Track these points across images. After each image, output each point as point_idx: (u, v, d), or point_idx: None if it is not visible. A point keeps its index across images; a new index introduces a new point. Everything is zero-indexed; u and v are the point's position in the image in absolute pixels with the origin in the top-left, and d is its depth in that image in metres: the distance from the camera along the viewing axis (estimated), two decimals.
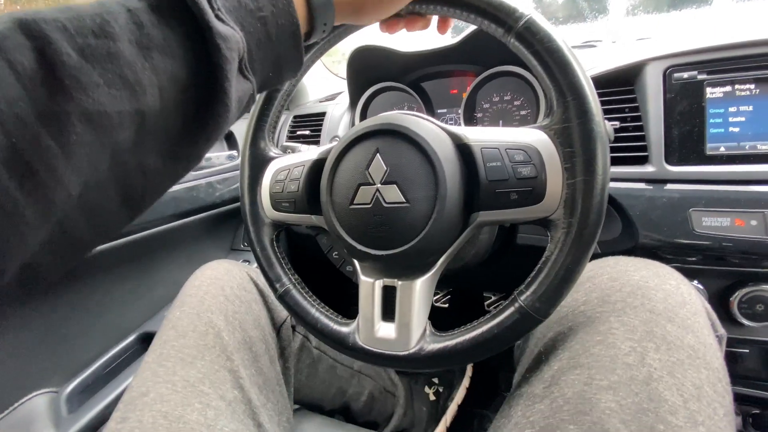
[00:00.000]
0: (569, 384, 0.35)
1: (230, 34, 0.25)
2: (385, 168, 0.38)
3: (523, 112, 0.78)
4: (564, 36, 0.35)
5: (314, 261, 0.94)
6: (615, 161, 0.59)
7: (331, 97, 0.97)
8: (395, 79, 0.80)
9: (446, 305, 1.13)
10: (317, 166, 0.45)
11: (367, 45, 0.71)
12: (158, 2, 0.23)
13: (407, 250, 0.37)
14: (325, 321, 0.45)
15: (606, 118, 0.61)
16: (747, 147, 0.54)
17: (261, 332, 0.54)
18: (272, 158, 0.50)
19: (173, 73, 0.23)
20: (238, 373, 0.47)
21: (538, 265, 0.36)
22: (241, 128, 1.00)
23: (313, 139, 0.87)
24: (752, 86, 0.54)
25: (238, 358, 0.48)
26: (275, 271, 0.48)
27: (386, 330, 0.41)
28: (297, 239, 0.99)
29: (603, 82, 0.62)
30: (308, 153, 0.48)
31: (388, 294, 0.42)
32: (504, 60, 0.73)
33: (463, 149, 0.39)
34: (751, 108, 0.54)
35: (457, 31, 0.78)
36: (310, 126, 0.89)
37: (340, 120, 0.85)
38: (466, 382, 0.91)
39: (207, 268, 0.57)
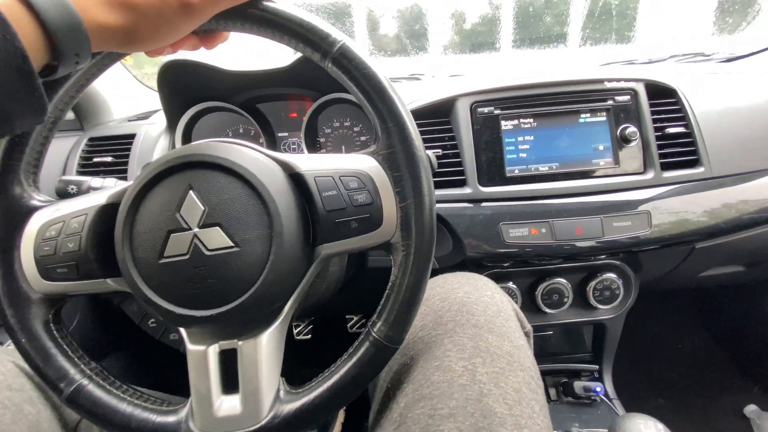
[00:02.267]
0: (415, 420, 0.35)
1: None
2: (203, 208, 0.32)
3: (363, 138, 0.80)
4: (376, 63, 0.36)
5: (129, 331, 0.76)
6: (441, 185, 0.66)
7: (144, 116, 0.82)
8: (223, 99, 0.72)
9: (309, 336, 1.08)
10: (107, 213, 0.36)
11: (179, 60, 0.62)
12: None
13: (244, 303, 0.32)
14: (144, 415, 0.36)
15: (429, 147, 0.68)
16: (533, 169, 0.66)
17: None
18: (35, 208, 0.37)
19: None
20: None
21: (386, 292, 0.35)
22: None
23: (119, 168, 0.71)
24: (532, 120, 0.67)
25: None
26: (56, 365, 0.36)
27: (229, 404, 0.35)
28: (97, 306, 0.78)
29: (425, 113, 0.68)
30: (93, 197, 0.37)
31: (228, 360, 0.35)
32: (339, 87, 0.73)
33: (296, 179, 0.36)
34: (532, 138, 0.67)
35: (291, 52, 0.75)
36: (113, 151, 0.72)
37: (155, 143, 0.72)
38: (341, 417, 0.87)
39: None
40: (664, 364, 1.14)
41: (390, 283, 0.36)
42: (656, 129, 0.66)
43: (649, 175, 0.65)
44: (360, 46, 0.35)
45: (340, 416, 0.87)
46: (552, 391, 0.77)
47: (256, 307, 0.33)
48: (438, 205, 0.65)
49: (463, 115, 0.66)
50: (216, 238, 0.32)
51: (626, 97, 0.66)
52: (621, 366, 0.80)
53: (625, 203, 0.64)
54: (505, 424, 0.33)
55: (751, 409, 0.99)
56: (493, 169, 0.66)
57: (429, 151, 0.49)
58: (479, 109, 0.66)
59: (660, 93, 0.68)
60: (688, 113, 0.67)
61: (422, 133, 0.67)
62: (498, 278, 0.70)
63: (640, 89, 0.66)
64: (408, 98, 0.70)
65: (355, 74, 0.35)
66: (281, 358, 0.37)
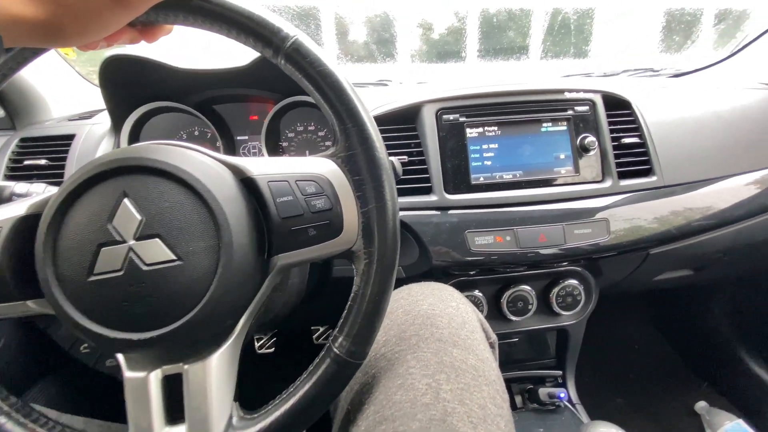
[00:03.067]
0: None
1: None
2: (140, 217, 0.29)
3: (328, 143, 0.78)
4: (332, 59, 0.34)
5: (61, 357, 0.68)
6: (406, 192, 0.64)
7: (87, 115, 0.75)
8: (175, 99, 0.67)
9: (272, 349, 1.03)
10: (26, 226, 0.32)
11: (123, 55, 0.57)
12: None
13: (190, 322, 0.29)
14: None
15: (395, 153, 0.67)
16: (497, 177, 0.66)
17: None
18: None
19: None
20: None
21: (348, 303, 0.34)
22: None
23: (54, 172, 0.64)
24: (496, 128, 0.68)
25: None
26: None
27: None
28: (25, 329, 0.70)
29: (391, 119, 0.67)
30: (10, 208, 0.33)
31: (172, 386, 0.32)
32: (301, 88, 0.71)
33: (248, 184, 0.33)
34: (497, 145, 0.67)
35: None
36: (48, 153, 0.66)
37: (98, 145, 0.66)
38: None
39: None
40: (622, 365, 1.19)
41: (352, 294, 0.34)
42: (613, 139, 0.68)
43: (607, 184, 0.67)
44: (314, 42, 0.33)
45: None
46: (518, 399, 0.77)
47: (203, 326, 0.30)
48: (404, 213, 0.63)
49: (428, 121, 0.66)
50: (155, 251, 0.29)
51: (585, 108, 0.68)
52: (582, 368, 0.81)
53: (585, 211, 0.66)
54: None
55: (701, 406, 1.04)
56: (458, 177, 0.65)
57: (393, 158, 0.47)
58: (445, 116, 0.66)
59: (616, 104, 0.70)
60: (641, 124, 0.70)
61: (388, 139, 0.66)
62: (464, 286, 0.70)
63: (598, 100, 0.68)
64: (374, 103, 0.68)
65: (310, 72, 0.33)
66: (234, 381, 0.34)
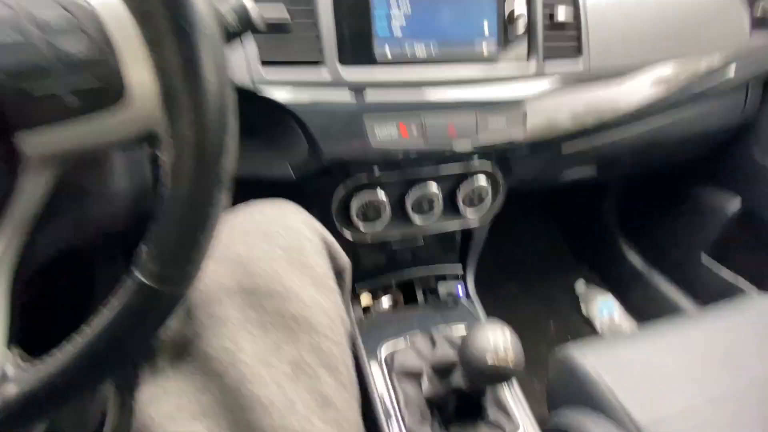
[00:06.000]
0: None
1: None
2: None
3: None
4: None
5: None
6: (288, 63, 0.48)
7: None
8: None
9: None
10: None
11: None
12: None
13: None
14: None
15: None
16: (407, 48, 0.53)
17: None
18: None
19: None
20: None
21: (157, 207, 0.22)
22: None
23: None
24: None
25: None
26: None
27: None
28: None
29: None
30: None
31: None
32: None
33: None
34: (408, 7, 0.52)
35: None
36: None
37: None
38: None
39: None
40: (517, 256, 1.29)
41: (160, 194, 0.22)
42: (545, 7, 0.57)
43: (532, 65, 0.57)
44: None
45: None
46: (419, 295, 0.77)
47: None
48: (285, 95, 0.48)
49: None
50: None
51: None
52: (483, 262, 0.83)
53: (503, 99, 0.57)
54: (271, 414, 0.26)
55: (579, 284, 1.20)
56: (357, 45, 0.50)
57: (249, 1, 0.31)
58: None
59: None
60: None
61: None
62: (365, 187, 0.60)
63: None
64: None
65: None
66: (5, 321, 0.25)
